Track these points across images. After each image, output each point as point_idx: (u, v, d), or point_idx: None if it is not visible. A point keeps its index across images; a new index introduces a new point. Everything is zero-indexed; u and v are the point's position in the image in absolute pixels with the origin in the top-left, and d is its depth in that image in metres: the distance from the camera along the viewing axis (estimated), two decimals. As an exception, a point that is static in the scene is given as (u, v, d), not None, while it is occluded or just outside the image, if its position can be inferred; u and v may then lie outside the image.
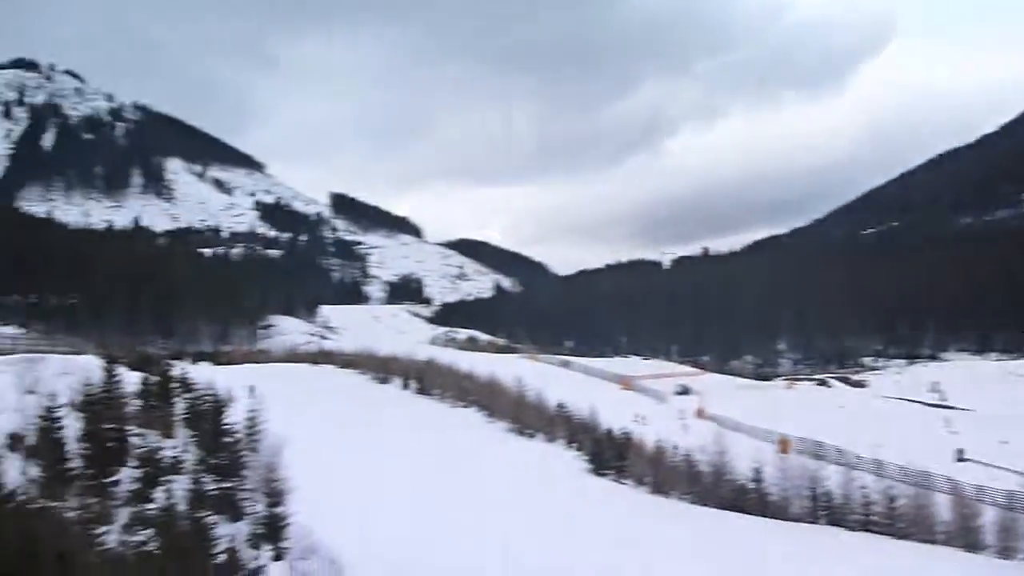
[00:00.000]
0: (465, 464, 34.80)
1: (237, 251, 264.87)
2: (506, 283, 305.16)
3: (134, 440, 26.07)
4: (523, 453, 40.97)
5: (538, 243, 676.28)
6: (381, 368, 58.61)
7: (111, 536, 19.44)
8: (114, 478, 22.90)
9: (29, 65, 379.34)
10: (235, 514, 24.28)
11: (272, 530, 23.64)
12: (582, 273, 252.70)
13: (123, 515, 21.18)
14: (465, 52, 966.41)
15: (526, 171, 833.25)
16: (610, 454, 39.89)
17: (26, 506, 14.72)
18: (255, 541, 23.61)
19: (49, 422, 23.84)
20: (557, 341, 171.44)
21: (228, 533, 23.10)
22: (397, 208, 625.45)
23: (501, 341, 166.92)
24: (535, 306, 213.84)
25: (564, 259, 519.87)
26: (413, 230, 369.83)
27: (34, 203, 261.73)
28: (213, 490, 24.34)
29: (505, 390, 53.77)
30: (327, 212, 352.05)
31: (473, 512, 28.24)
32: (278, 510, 24.04)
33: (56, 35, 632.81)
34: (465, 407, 51.30)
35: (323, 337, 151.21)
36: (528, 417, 47.47)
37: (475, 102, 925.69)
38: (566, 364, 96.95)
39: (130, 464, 24.57)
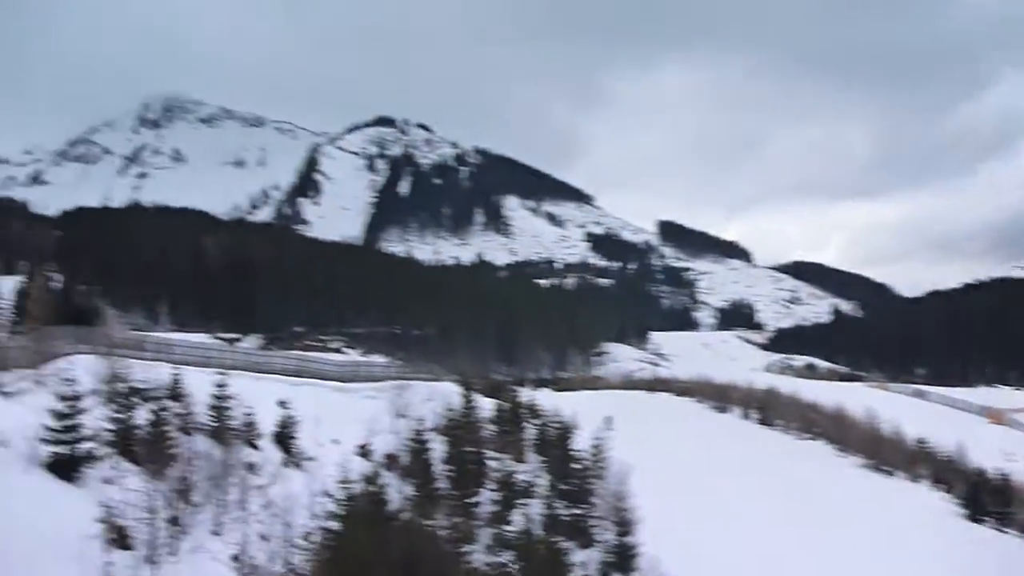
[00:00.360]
0: (817, 502, 32.58)
1: (570, 281, 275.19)
2: (845, 307, 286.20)
3: (491, 463, 27.52)
4: (882, 493, 37.58)
5: (880, 263, 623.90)
6: (718, 396, 57.07)
7: (476, 555, 20.47)
8: (475, 499, 24.25)
9: (388, 122, 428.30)
10: (585, 541, 24.58)
11: (622, 559, 23.58)
12: (934, 294, 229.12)
13: (485, 535, 22.28)
14: (795, 68, 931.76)
15: (865, 186, 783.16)
16: (988, 498, 35.28)
17: (408, 524, 15.80)
18: (605, 570, 23.70)
19: (418, 444, 25.83)
20: (906, 369, 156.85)
21: (580, 560, 23.43)
22: (725, 232, 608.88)
23: (842, 369, 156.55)
24: (880, 331, 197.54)
25: (911, 279, 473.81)
26: (742, 254, 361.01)
27: (393, 244, 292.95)
28: (565, 515, 24.88)
29: (855, 422, 49.88)
30: (655, 240, 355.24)
31: (829, 557, 26.26)
32: (628, 539, 23.96)
33: (410, 93, 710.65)
34: (812, 439, 48.32)
35: (655, 364, 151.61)
36: (885, 453, 43.57)
37: (806, 118, 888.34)
38: (920, 394, 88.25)
39: (488, 486, 25.92)
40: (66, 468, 15.22)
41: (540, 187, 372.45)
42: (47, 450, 15.39)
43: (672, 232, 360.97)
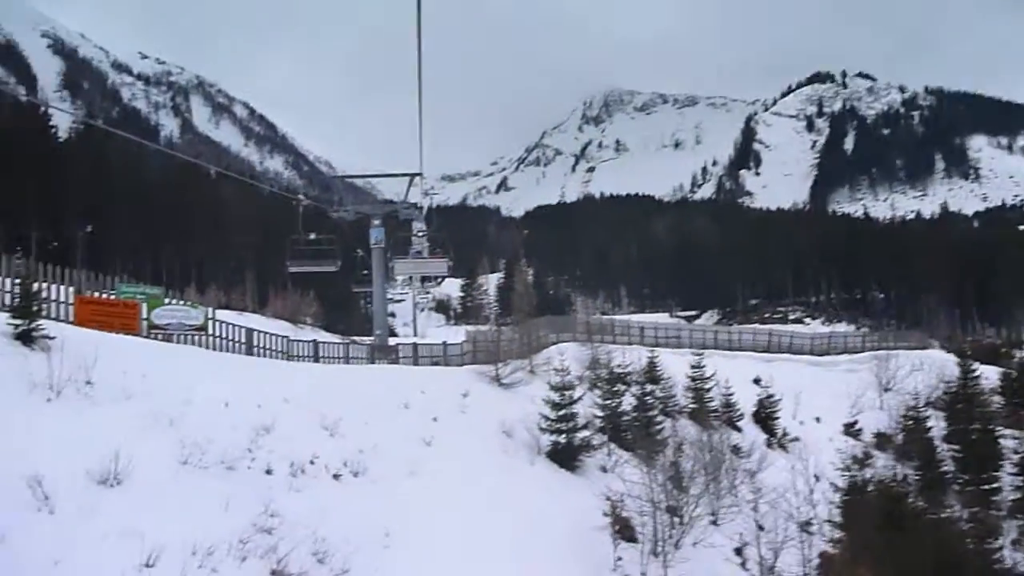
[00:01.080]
0: None
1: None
2: None
3: (1006, 442, 23.80)
4: None
5: None
6: None
7: (1004, 552, 17.61)
8: (993, 484, 21.05)
9: (825, 78, 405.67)
10: None
11: None
12: None
13: (1011, 528, 19.17)
14: None
15: None
16: None
17: (927, 518, 13.90)
18: None
19: (913, 422, 23.21)
20: None
21: None
22: None
23: None
24: None
25: None
26: None
27: (844, 204, 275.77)
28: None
29: None
30: None
31: None
32: None
33: (844, 43, 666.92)
34: None
35: None
36: None
37: None
38: None
39: (1006, 469, 22.40)
40: (566, 456, 15.81)
41: (1013, 120, 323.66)
42: (547, 439, 16.17)
43: None
